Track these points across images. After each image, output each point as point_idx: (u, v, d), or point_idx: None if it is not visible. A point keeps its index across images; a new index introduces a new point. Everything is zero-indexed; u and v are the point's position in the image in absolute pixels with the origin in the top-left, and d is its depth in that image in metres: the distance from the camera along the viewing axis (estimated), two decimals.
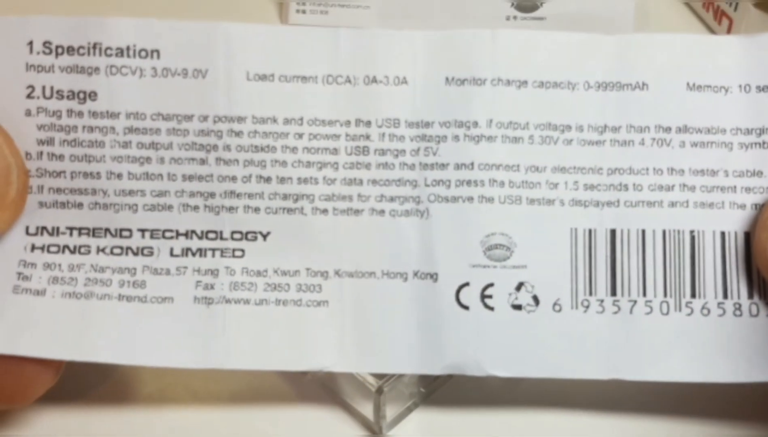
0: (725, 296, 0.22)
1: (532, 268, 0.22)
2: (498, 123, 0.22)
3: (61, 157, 0.21)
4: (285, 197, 0.22)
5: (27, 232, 0.22)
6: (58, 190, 0.22)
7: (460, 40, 0.22)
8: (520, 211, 0.22)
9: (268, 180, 0.22)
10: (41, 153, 0.21)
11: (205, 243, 0.22)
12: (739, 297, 0.22)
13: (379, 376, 0.23)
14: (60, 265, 0.22)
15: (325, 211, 0.22)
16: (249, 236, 0.22)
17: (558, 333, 0.22)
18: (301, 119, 0.22)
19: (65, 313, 0.22)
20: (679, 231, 0.22)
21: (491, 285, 0.22)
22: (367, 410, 0.24)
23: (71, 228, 0.22)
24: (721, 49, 0.22)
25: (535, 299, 0.22)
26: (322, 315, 0.22)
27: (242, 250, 0.22)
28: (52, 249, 0.22)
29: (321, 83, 0.22)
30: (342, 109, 0.22)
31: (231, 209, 0.22)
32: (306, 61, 0.22)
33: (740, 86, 0.22)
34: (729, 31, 0.36)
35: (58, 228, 0.22)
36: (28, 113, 0.21)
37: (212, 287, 0.22)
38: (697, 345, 0.22)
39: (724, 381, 0.22)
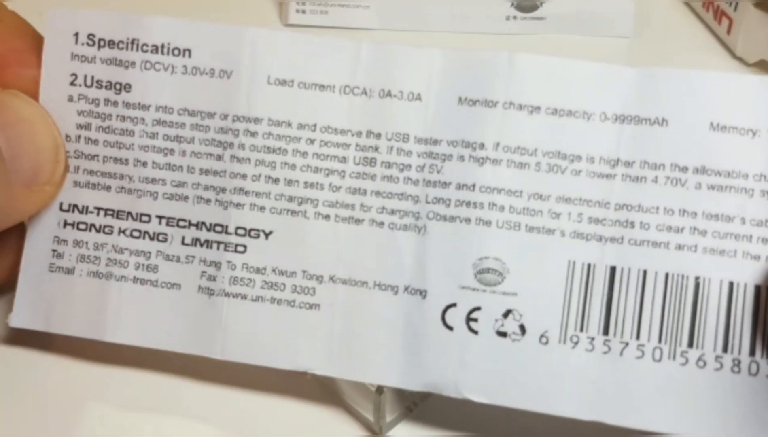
0: (725, 350, 0.21)
1: (522, 297, 0.22)
2: (505, 147, 0.22)
3: (96, 142, 0.23)
4: (290, 199, 0.23)
5: (61, 208, 0.24)
6: (91, 172, 0.24)
7: (477, 60, 0.22)
8: (517, 237, 0.22)
9: (276, 181, 0.23)
10: (79, 136, 0.23)
11: (211, 236, 0.23)
12: (739, 352, 0.21)
13: None
14: (87, 243, 0.24)
15: (327, 217, 0.23)
16: (252, 233, 0.23)
17: (542, 366, 0.22)
18: (315, 126, 0.23)
19: (89, 292, 0.24)
20: (683, 276, 0.21)
21: (478, 308, 0.22)
22: (367, 410, 0.24)
23: (98, 209, 0.24)
24: (752, 88, 0.21)
25: (522, 328, 0.22)
26: (313, 318, 0.23)
27: (244, 246, 0.23)
28: (81, 226, 0.24)
29: (338, 93, 0.23)
30: (355, 119, 0.23)
31: (238, 205, 0.23)
32: (326, 70, 0.23)
33: None
34: (729, 31, 0.36)
35: (87, 207, 0.24)
36: (71, 99, 0.23)
37: (214, 279, 0.23)
38: (689, 397, 0.21)
39: None
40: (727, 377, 0.21)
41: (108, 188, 0.23)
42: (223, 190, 0.23)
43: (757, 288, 0.21)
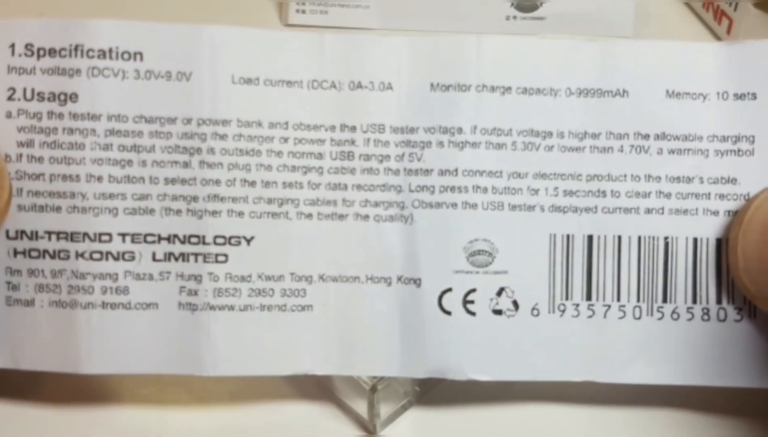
0: (694, 301, 0.23)
1: (512, 274, 0.23)
2: (482, 129, 0.23)
3: (40, 160, 0.22)
4: (270, 201, 0.22)
5: (7, 236, 0.22)
6: (37, 193, 0.22)
7: (445, 45, 0.23)
8: (502, 216, 0.23)
9: (252, 184, 0.22)
10: (21, 155, 0.22)
11: (187, 248, 0.22)
12: (707, 302, 0.23)
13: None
14: (43, 271, 0.22)
15: (309, 216, 0.23)
16: (232, 241, 0.22)
17: (536, 337, 0.23)
18: (287, 123, 0.22)
19: (54, 324, 0.22)
20: (653, 238, 0.23)
21: (473, 290, 0.23)
22: (361, 408, 0.24)
23: (50, 233, 0.22)
24: (701, 55, 0.23)
25: (515, 304, 0.23)
26: (307, 320, 0.23)
27: (225, 255, 0.22)
28: (33, 254, 0.22)
29: (306, 88, 0.22)
30: (327, 114, 0.22)
31: (214, 213, 0.22)
32: (291, 66, 0.22)
33: (718, 93, 0.23)
34: (729, 31, 0.37)
35: (37, 233, 0.22)
36: (9, 115, 0.22)
37: (196, 293, 0.22)
38: (666, 348, 0.23)
39: (690, 385, 0.23)
40: (698, 325, 0.23)
41: (58, 209, 0.22)
42: (194, 199, 0.22)
43: (719, 242, 0.23)
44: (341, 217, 0.22)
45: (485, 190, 0.23)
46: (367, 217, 0.22)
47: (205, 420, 0.24)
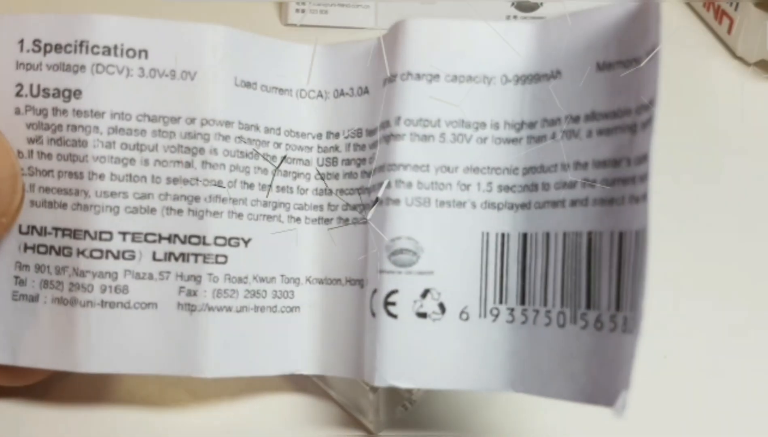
0: (618, 308, 0.20)
1: (439, 274, 0.22)
2: (406, 120, 0.22)
3: (49, 156, 0.22)
4: (265, 204, 0.23)
5: (20, 231, 0.22)
6: (47, 189, 0.22)
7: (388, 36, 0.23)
8: (428, 213, 0.22)
9: (251, 186, 0.23)
10: (32, 151, 0.22)
11: (188, 248, 0.22)
12: (632, 309, 0.19)
13: None
14: (49, 267, 0.22)
15: (298, 219, 0.23)
16: (232, 242, 0.23)
17: (464, 343, 0.22)
18: (279, 129, 0.23)
19: (55, 321, 0.22)
20: (577, 234, 0.21)
21: (395, 291, 0.22)
22: (362, 409, 0.25)
23: (56, 229, 0.22)
24: (629, 19, 0.20)
25: (442, 307, 0.22)
26: (294, 321, 0.23)
27: (225, 256, 0.23)
28: (41, 249, 0.22)
29: (295, 96, 0.23)
30: (314, 122, 0.23)
31: (216, 214, 0.22)
32: (282, 74, 0.23)
33: (647, 53, 0.19)
34: (730, 30, 0.37)
35: (45, 228, 0.22)
36: (18, 111, 0.22)
37: (195, 294, 0.22)
38: (589, 362, 0.20)
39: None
40: (621, 337, 0.20)
41: (64, 206, 0.22)
42: (196, 199, 0.22)
43: (638, 234, 0.19)
44: (327, 221, 0.23)
45: (409, 185, 0.22)
46: (347, 220, 0.23)
47: (205, 420, 0.25)
